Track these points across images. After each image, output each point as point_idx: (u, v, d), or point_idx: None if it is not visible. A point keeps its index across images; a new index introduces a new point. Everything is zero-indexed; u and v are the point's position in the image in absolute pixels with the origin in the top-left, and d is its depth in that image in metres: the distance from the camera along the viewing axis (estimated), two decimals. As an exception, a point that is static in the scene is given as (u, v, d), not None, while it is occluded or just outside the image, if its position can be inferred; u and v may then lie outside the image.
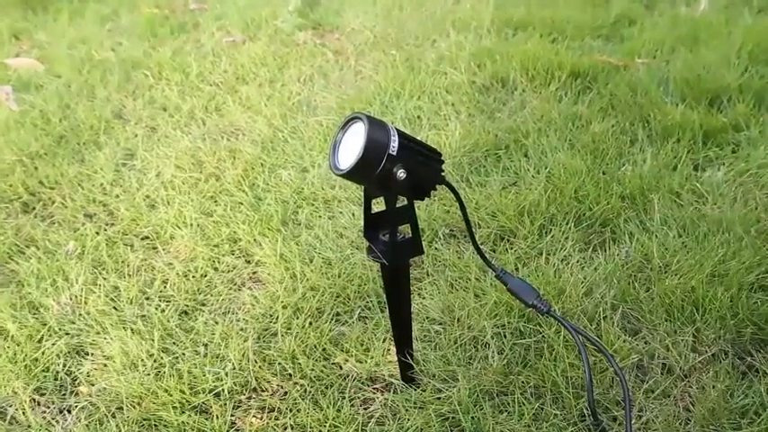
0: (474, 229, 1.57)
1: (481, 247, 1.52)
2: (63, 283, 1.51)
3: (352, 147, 0.93)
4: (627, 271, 1.45)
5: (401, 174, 0.93)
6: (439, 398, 1.20)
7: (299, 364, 1.29)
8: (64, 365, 1.33)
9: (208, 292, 1.49)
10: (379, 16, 2.87)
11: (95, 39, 2.79)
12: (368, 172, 0.92)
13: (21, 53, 2.74)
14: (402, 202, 1.00)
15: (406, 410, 1.19)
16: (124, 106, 2.28)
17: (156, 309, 1.44)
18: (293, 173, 1.83)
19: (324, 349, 1.32)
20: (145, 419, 1.20)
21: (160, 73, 2.46)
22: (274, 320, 1.39)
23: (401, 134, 0.94)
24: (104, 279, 1.53)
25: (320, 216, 1.68)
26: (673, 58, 2.40)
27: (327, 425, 1.18)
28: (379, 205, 1.11)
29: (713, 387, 1.20)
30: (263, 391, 1.26)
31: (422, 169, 0.96)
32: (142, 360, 1.31)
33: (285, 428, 1.18)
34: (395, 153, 0.92)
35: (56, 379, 1.30)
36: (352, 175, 0.92)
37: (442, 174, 1.01)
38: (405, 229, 1.05)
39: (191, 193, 1.79)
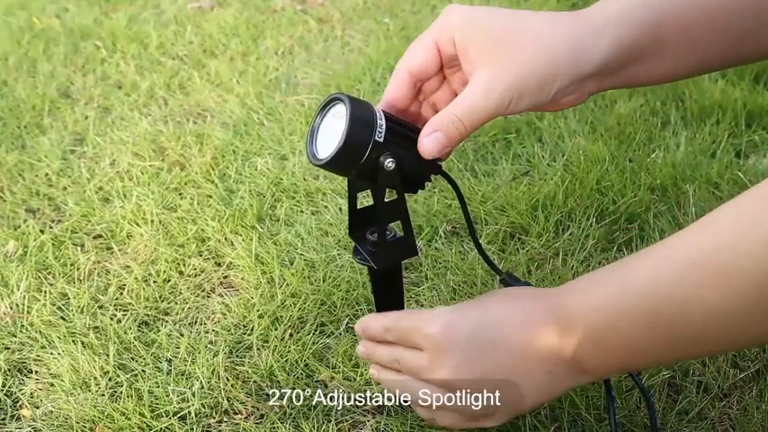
0: (480, 226, 1.59)
1: (488, 247, 1.54)
2: (2, 289, 1.52)
3: (332, 133, 0.94)
4: (656, 274, 1.46)
5: (389, 164, 0.94)
6: (438, 420, 1.22)
7: (278, 382, 1.31)
8: (3, 385, 1.34)
9: (171, 300, 1.50)
10: (372, -23, 2.88)
11: (37, 3, 2.78)
12: (350, 162, 0.93)
13: (-51, 21, 2.74)
14: (392, 195, 1.02)
15: (401, 435, 1.22)
16: (72, 83, 2.28)
17: (112, 319, 1.45)
18: (270, 161, 1.84)
19: (306, 365, 1.34)
20: (99, 446, 1.23)
21: (114, 44, 2.46)
22: (249, 332, 1.41)
23: (389, 117, 0.96)
24: (50, 285, 1.54)
25: (302, 211, 1.69)
26: (714, 25, 2.41)
27: (309, 452, 1.20)
28: (367, 199, 1.13)
29: (757, 408, 1.22)
30: (235, 413, 1.28)
31: (414, 158, 0.97)
32: (95, 378, 1.33)
33: (261, 456, 1.21)
34: (382, 139, 0.93)
35: (-6, 401, 1.32)
36: (333, 165, 0.94)
37: (438, 162, 1.03)
38: (398, 227, 1.07)
39: (151, 184, 1.80)
